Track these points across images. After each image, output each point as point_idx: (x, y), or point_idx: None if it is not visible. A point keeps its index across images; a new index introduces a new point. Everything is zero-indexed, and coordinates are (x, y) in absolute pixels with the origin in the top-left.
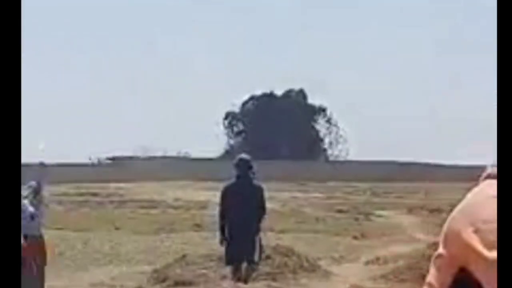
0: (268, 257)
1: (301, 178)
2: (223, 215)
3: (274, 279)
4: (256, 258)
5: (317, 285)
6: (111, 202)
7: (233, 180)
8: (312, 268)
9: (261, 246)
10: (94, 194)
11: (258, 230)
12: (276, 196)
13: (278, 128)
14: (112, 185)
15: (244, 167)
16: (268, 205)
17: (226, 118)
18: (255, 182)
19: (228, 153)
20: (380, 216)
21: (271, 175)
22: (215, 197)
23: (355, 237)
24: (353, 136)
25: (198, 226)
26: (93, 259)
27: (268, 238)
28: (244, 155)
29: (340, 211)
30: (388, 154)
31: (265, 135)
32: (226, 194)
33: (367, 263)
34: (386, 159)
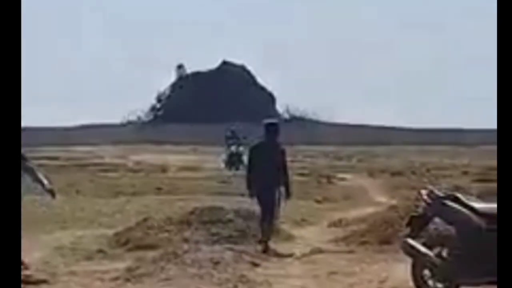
0: (230, 220)
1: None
2: (250, 172)
3: (235, 243)
4: (276, 213)
5: (279, 248)
6: (72, 165)
7: (260, 140)
8: (274, 231)
9: (279, 203)
10: (54, 158)
11: (279, 187)
12: None
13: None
14: (73, 148)
15: (271, 130)
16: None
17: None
18: (279, 144)
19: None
20: (342, 179)
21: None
22: (176, 161)
23: (317, 201)
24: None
25: (158, 190)
26: (54, 222)
27: (230, 202)
28: (272, 120)
29: (302, 174)
30: (350, 118)
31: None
32: (252, 154)
33: (329, 226)
34: (347, 122)
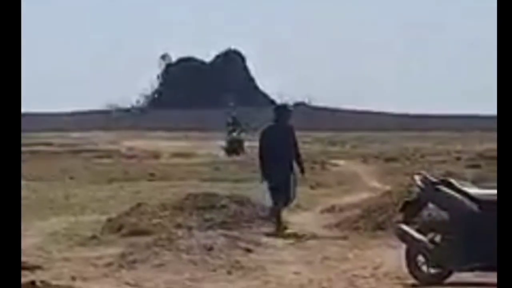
0: (223, 206)
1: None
2: (261, 155)
3: (229, 228)
4: (291, 195)
5: (272, 233)
6: (65, 152)
7: (270, 123)
8: (267, 216)
9: (295, 183)
10: (48, 144)
11: (292, 167)
12: None
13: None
14: (66, 134)
15: (281, 113)
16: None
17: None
18: (288, 124)
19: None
20: (336, 165)
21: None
22: (169, 147)
23: (311, 187)
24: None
25: (152, 176)
26: (47, 208)
27: (224, 188)
28: (284, 102)
29: None
30: (345, 103)
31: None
32: (263, 136)
33: (322, 211)
34: (341, 107)
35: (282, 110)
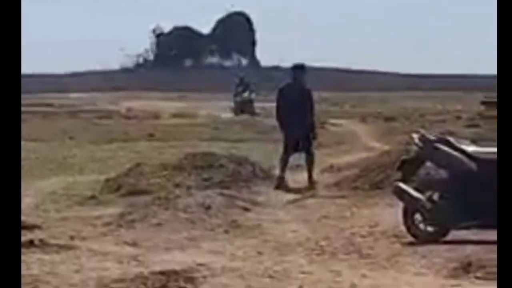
0: (221, 165)
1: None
2: (278, 112)
3: (226, 187)
4: (312, 149)
5: (269, 193)
6: (65, 112)
7: (287, 82)
8: (265, 176)
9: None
10: (48, 105)
11: (308, 124)
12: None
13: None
14: (65, 95)
15: (298, 73)
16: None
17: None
18: (305, 84)
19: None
20: (335, 125)
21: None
22: (168, 108)
23: None
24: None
25: (151, 136)
26: (47, 168)
27: (223, 148)
28: (299, 62)
29: None
30: (343, 62)
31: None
32: (280, 95)
33: (321, 171)
34: (341, 66)
35: (299, 70)
